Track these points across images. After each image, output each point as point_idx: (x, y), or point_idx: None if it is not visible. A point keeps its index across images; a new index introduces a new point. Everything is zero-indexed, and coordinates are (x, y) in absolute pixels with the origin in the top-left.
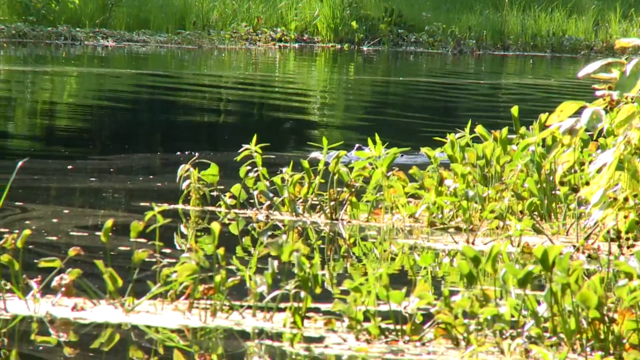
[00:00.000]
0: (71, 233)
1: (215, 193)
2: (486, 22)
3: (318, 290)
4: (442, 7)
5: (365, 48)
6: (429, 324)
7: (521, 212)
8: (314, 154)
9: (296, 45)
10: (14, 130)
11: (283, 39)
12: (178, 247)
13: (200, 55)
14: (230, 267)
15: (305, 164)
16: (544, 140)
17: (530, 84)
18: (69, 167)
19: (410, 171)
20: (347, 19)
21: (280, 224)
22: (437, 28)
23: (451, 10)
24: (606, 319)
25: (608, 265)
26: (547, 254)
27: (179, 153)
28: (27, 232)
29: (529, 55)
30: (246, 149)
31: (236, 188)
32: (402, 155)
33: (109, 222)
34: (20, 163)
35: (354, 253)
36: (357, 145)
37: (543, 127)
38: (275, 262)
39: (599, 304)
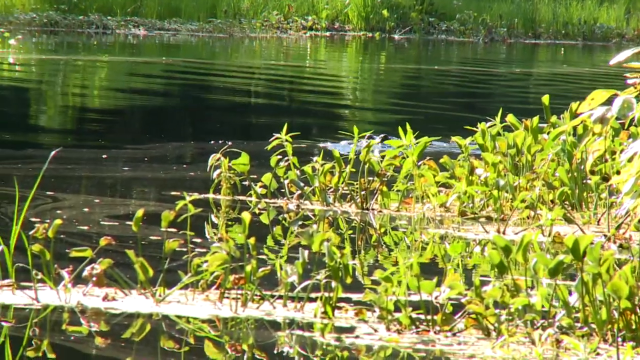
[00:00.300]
0: (102, 222)
1: (246, 182)
2: (517, 10)
3: (349, 280)
4: None
5: (396, 36)
6: (459, 314)
7: (552, 201)
8: (343, 143)
9: (327, 33)
10: (47, 120)
11: (314, 27)
12: (208, 237)
13: (231, 44)
14: (261, 256)
15: (336, 153)
16: (575, 129)
17: (562, 72)
18: (103, 156)
19: (441, 160)
20: (379, 7)
21: (310, 214)
22: (469, 16)
23: None
24: (638, 309)
25: None
26: (578, 244)
27: (212, 142)
28: (58, 221)
29: (560, 43)
30: (277, 138)
31: (267, 177)
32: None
33: (140, 212)
34: (53, 152)
35: (384, 243)
36: (382, 134)
37: (574, 115)
38: (306, 252)
39: (630, 294)
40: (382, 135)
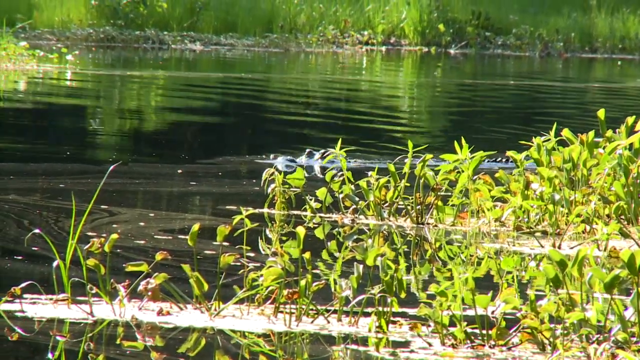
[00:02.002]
0: (158, 237)
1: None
2: (574, 24)
3: (403, 295)
4: (530, 9)
5: (452, 51)
6: (514, 328)
7: (608, 215)
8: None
9: (383, 48)
10: (104, 135)
11: (370, 42)
12: (263, 251)
13: (287, 58)
14: (315, 271)
15: (391, 167)
16: (631, 143)
17: (618, 86)
18: (179, 171)
19: (497, 175)
20: (435, 21)
21: (365, 228)
22: (525, 31)
23: (539, 13)
24: None
25: None
26: (634, 258)
27: (265, 156)
28: (115, 236)
29: (617, 57)
30: (331, 153)
31: (322, 192)
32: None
33: (195, 226)
34: (111, 167)
35: (439, 257)
36: (323, 150)
37: (630, 130)
38: (361, 266)
39: None
40: (322, 150)
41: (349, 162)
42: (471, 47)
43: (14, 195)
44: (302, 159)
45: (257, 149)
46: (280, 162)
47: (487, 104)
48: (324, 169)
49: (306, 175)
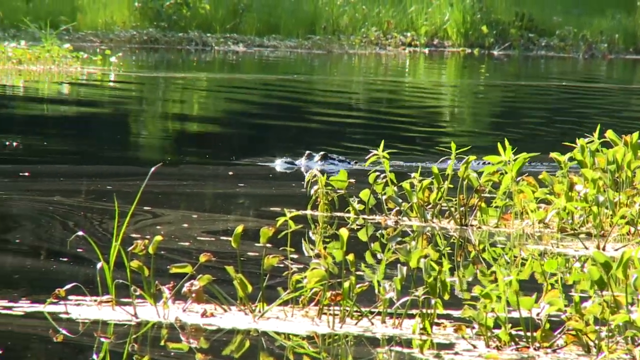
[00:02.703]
0: (201, 238)
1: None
2: (618, 25)
3: (447, 297)
4: (573, 11)
5: (495, 52)
6: (559, 330)
7: None
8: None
9: (426, 49)
10: (147, 136)
11: (413, 43)
12: (306, 253)
13: (330, 60)
14: (359, 273)
15: (435, 169)
16: None
17: None
18: (229, 173)
19: (540, 176)
20: (478, 23)
21: (409, 230)
22: (568, 32)
23: (582, 14)
24: None
25: None
26: None
27: (305, 158)
28: (158, 238)
29: None
30: (374, 155)
31: (365, 193)
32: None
33: (239, 228)
34: (153, 169)
35: (483, 259)
36: (322, 152)
37: None
38: (404, 268)
39: None
40: (321, 153)
41: (349, 163)
42: (514, 48)
43: (59, 197)
44: (302, 161)
45: (300, 151)
46: (279, 164)
47: (530, 105)
48: (323, 172)
49: (262, 179)
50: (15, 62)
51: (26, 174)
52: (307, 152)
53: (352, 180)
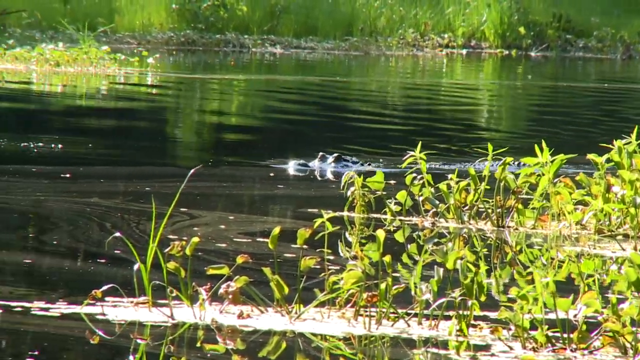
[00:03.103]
0: (239, 240)
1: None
2: None
3: (483, 298)
4: (612, 12)
5: (533, 54)
6: (596, 332)
7: None
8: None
9: (463, 51)
10: (185, 138)
11: (450, 45)
12: (342, 255)
13: (367, 61)
14: (395, 274)
15: (472, 170)
16: None
17: None
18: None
19: (577, 177)
20: (515, 24)
21: (445, 231)
22: (606, 33)
23: (621, 15)
24: None
25: None
26: None
27: (271, 160)
28: (196, 239)
29: None
30: (411, 156)
31: (402, 195)
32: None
33: (276, 229)
34: (192, 170)
35: (520, 260)
36: (335, 154)
37: None
38: (441, 270)
39: None
40: (335, 154)
41: (363, 165)
42: (552, 49)
43: (97, 198)
44: (315, 163)
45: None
46: (292, 165)
47: (568, 106)
48: (336, 174)
49: (319, 179)
50: (53, 64)
51: (67, 175)
52: (321, 153)
53: (393, 182)
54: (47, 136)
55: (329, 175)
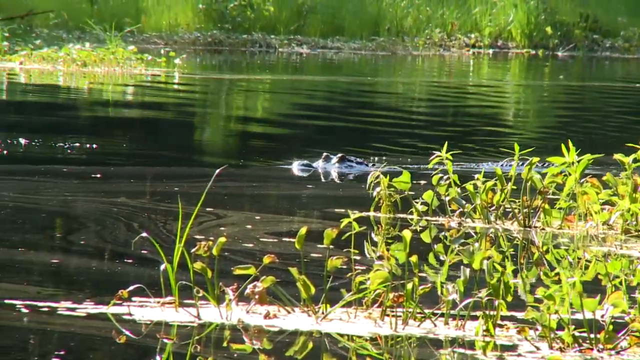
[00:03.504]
0: (265, 240)
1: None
2: None
3: (510, 298)
4: (639, 12)
5: (559, 54)
6: (623, 332)
7: None
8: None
9: (490, 51)
10: (211, 138)
11: (477, 44)
12: (369, 255)
13: (394, 61)
14: (421, 274)
15: (498, 170)
16: None
17: None
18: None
19: (604, 177)
20: (542, 24)
21: (472, 231)
22: (633, 33)
23: None
24: None
25: None
26: None
27: (323, 160)
28: (223, 239)
29: None
30: (437, 156)
31: (428, 195)
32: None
33: (303, 229)
34: (218, 170)
35: (546, 260)
36: (340, 154)
37: None
38: (467, 270)
39: None
40: (339, 155)
41: (367, 165)
42: (579, 49)
43: (124, 198)
44: (319, 163)
45: (363, 152)
46: (296, 166)
47: (594, 106)
48: (341, 174)
49: (324, 180)
50: (80, 64)
51: (97, 175)
52: (325, 154)
53: (423, 182)
54: (75, 136)
55: (333, 176)
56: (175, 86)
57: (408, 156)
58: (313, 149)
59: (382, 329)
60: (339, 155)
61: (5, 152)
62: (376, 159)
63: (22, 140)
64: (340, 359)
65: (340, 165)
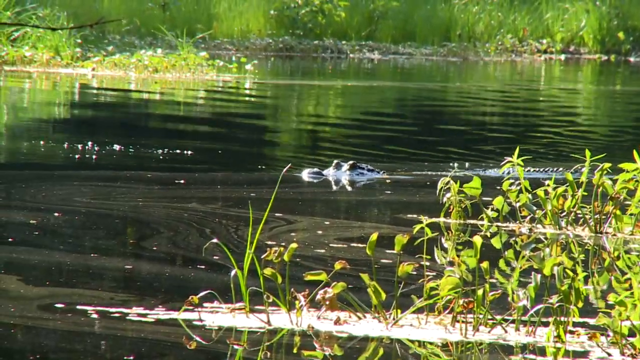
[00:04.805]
0: (336, 245)
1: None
2: None
3: (580, 304)
4: None
5: (632, 59)
6: None
7: None
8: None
9: (562, 56)
10: (282, 144)
11: (548, 50)
12: (439, 261)
13: (465, 67)
14: (492, 280)
15: (569, 176)
16: None
17: None
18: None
19: None
20: (614, 29)
21: (543, 237)
22: None
23: None
24: None
25: None
26: None
27: (333, 167)
28: (294, 245)
29: None
30: (508, 162)
31: (499, 201)
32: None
33: (374, 235)
34: (283, 170)
35: (618, 266)
36: (351, 161)
37: None
38: (538, 276)
39: None
40: (350, 162)
41: (378, 173)
42: None
43: (195, 203)
44: (330, 171)
45: (434, 158)
46: (306, 174)
47: None
48: (352, 182)
49: (334, 187)
50: (152, 70)
51: (181, 181)
52: (335, 161)
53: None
54: (147, 142)
55: (344, 183)
56: (247, 92)
57: (483, 162)
58: (380, 151)
59: (453, 335)
60: (350, 162)
61: (92, 157)
62: (457, 164)
63: (116, 147)
64: None
65: (351, 173)
